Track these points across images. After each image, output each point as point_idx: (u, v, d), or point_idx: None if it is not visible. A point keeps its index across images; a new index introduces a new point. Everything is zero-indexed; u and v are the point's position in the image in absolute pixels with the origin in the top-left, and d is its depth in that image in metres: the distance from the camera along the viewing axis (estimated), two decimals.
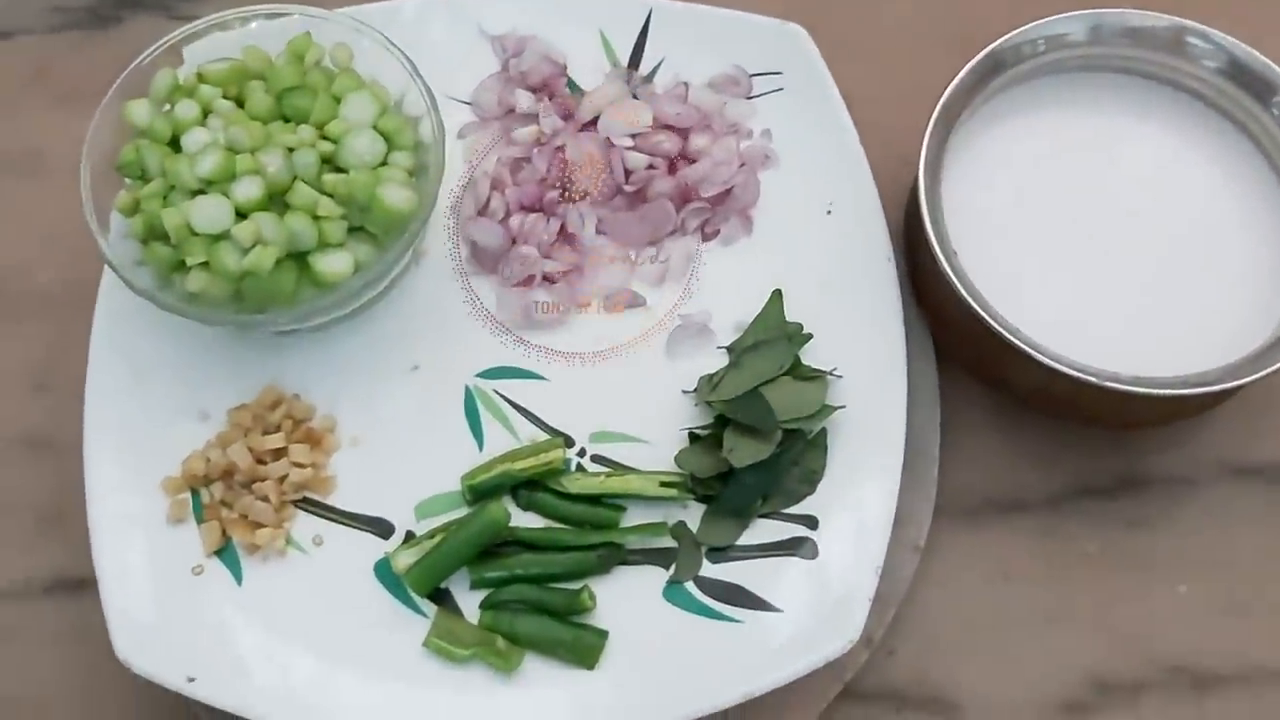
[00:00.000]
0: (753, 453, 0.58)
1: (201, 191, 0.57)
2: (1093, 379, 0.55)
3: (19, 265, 0.69)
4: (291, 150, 0.58)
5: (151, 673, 0.55)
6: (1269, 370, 0.55)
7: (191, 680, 0.55)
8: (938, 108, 0.59)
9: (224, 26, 0.62)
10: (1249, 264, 0.60)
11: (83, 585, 0.61)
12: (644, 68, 0.68)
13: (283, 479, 0.60)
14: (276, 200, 0.58)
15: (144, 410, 0.61)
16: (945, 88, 0.59)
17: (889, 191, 0.64)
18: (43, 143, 0.72)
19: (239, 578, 0.59)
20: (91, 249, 0.61)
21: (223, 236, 0.57)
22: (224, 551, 0.59)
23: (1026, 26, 0.61)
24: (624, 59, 0.68)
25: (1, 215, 0.71)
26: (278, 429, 0.61)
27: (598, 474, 0.60)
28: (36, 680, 0.61)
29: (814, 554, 0.58)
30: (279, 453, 0.60)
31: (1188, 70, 0.62)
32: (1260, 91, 0.60)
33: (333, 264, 0.58)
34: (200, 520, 0.59)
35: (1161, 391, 0.55)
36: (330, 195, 0.58)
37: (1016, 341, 0.55)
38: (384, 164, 0.59)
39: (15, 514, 0.64)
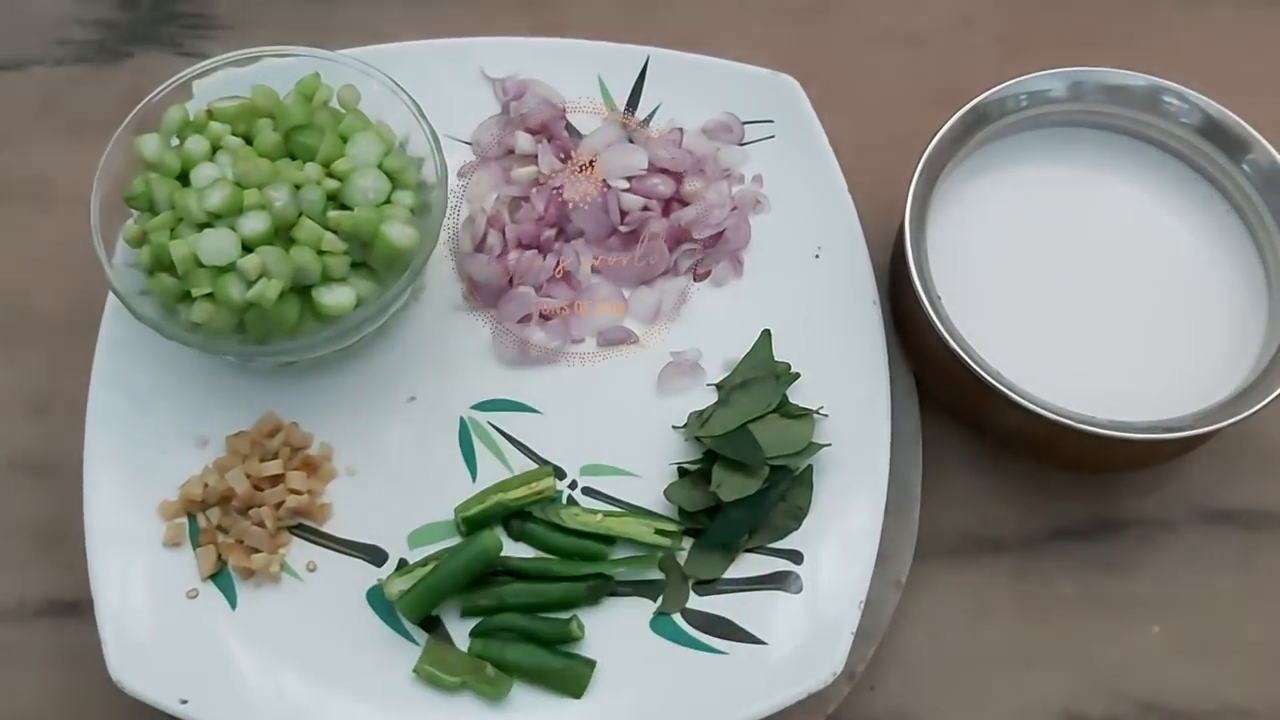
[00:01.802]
0: (740, 488, 0.59)
1: (208, 225, 0.59)
2: (1070, 422, 0.56)
3: (22, 291, 0.70)
4: (298, 187, 0.60)
5: (144, 694, 0.56)
6: (1241, 416, 0.56)
7: (184, 702, 0.56)
8: (923, 157, 0.61)
9: (235, 64, 0.64)
10: (1222, 314, 0.62)
11: (75, 608, 0.62)
12: (640, 113, 0.70)
13: (279, 505, 0.61)
14: (282, 235, 0.59)
15: (143, 435, 0.62)
16: (931, 139, 0.62)
17: (875, 237, 0.67)
18: (50, 172, 0.74)
19: (233, 602, 0.60)
20: (94, 277, 0.63)
21: (229, 268, 0.58)
22: (219, 576, 0.60)
23: (1009, 82, 0.63)
24: (621, 104, 0.71)
25: (7, 242, 0.72)
26: (275, 456, 0.62)
27: (596, 512, 0.61)
28: (26, 701, 0.61)
29: (799, 588, 0.59)
30: (276, 479, 0.61)
31: (1164, 127, 0.64)
32: (1232, 149, 0.63)
33: (336, 298, 0.59)
34: (196, 545, 0.61)
35: (1137, 436, 0.57)
36: (335, 231, 0.60)
37: (997, 384, 0.57)
38: (388, 202, 0.61)
39: (10, 536, 0.64)
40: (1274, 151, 0.62)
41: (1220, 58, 0.75)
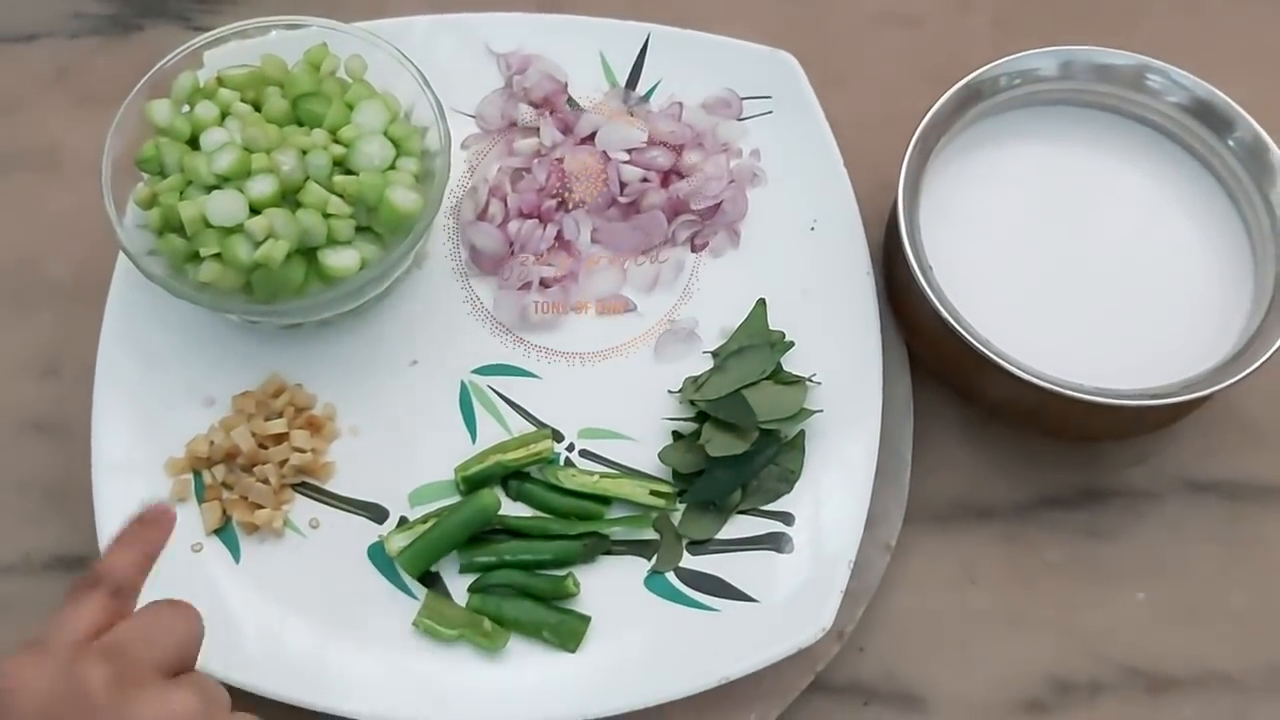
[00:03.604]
0: (728, 446, 0.61)
1: (217, 187, 0.60)
2: (1058, 389, 0.58)
3: (31, 257, 0.72)
4: (305, 152, 0.61)
5: None
6: (1225, 384, 0.58)
7: None
8: (917, 132, 0.62)
9: (245, 35, 0.66)
10: (1208, 286, 0.63)
11: (81, 563, 0.63)
12: (641, 88, 0.72)
13: (283, 463, 0.62)
14: (289, 198, 0.61)
15: (151, 394, 0.64)
16: (924, 115, 0.63)
17: (869, 214, 0.68)
18: (60, 141, 0.75)
19: (237, 556, 0.61)
20: (103, 244, 0.64)
21: (236, 229, 0.59)
22: (223, 531, 0.62)
23: (1001, 60, 0.64)
24: (622, 80, 0.72)
25: (17, 209, 0.73)
26: (280, 415, 0.63)
27: (592, 473, 0.62)
28: None
29: (790, 548, 0.61)
30: (280, 438, 0.63)
31: (1151, 105, 0.66)
32: (1218, 126, 0.64)
33: (340, 259, 0.61)
34: (201, 500, 0.62)
35: (1124, 402, 0.58)
36: (340, 195, 0.61)
37: (986, 352, 0.58)
38: (392, 168, 0.63)
39: (20, 493, 0.66)
40: (1259, 128, 0.63)
41: (1207, 38, 0.77)
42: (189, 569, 0.60)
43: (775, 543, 0.61)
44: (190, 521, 0.61)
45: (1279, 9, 0.79)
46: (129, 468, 0.62)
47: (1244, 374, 0.58)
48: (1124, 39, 0.66)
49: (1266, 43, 0.78)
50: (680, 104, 0.71)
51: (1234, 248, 0.64)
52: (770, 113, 0.71)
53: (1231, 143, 0.64)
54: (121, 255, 0.65)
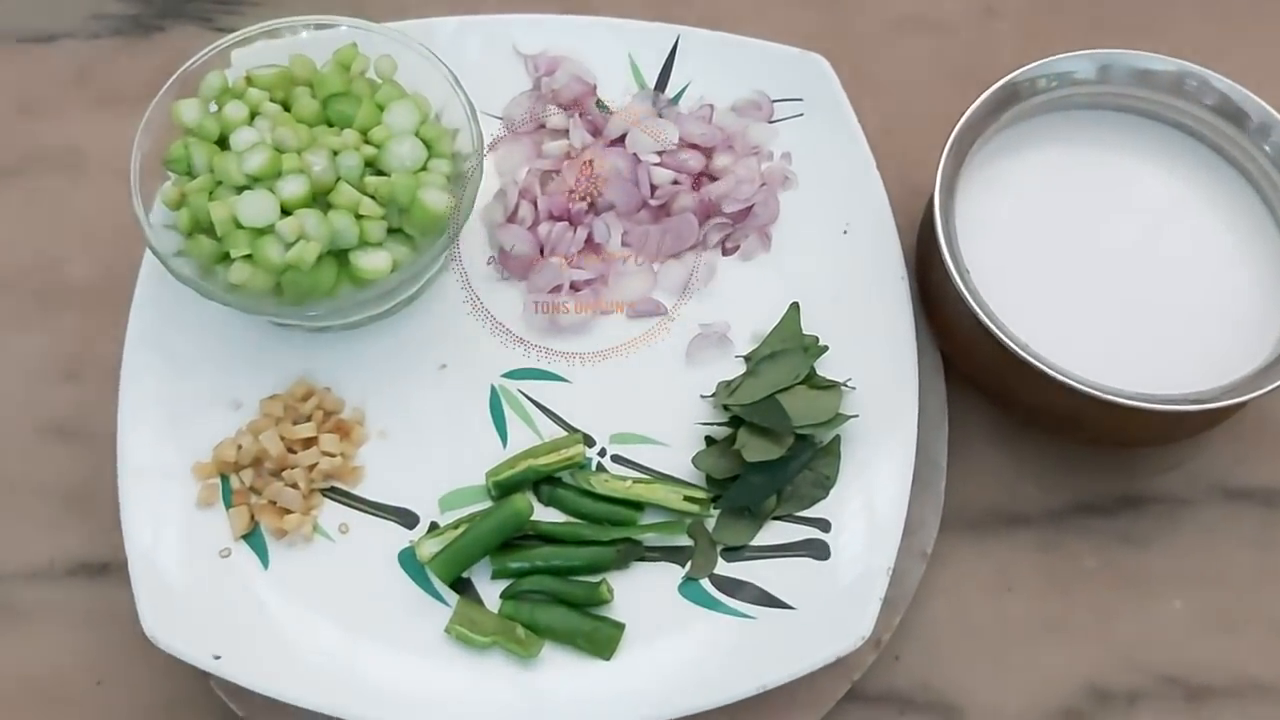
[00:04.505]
0: (764, 451, 0.60)
1: (247, 188, 0.60)
2: (1097, 393, 0.57)
3: (53, 260, 0.71)
4: (336, 153, 0.60)
5: (178, 649, 0.56)
6: (1266, 389, 0.57)
7: (217, 658, 0.56)
8: (953, 133, 0.62)
9: (273, 35, 0.65)
10: (1244, 292, 0.63)
11: (105, 570, 0.63)
12: (670, 90, 0.71)
13: (312, 467, 0.61)
14: (320, 199, 0.60)
15: (177, 397, 0.63)
16: (961, 115, 0.62)
17: (899, 217, 0.67)
18: (82, 143, 0.74)
19: (265, 562, 0.60)
20: (125, 246, 0.64)
21: (267, 230, 0.59)
22: (251, 536, 0.61)
23: (1039, 62, 0.64)
24: (651, 82, 0.71)
25: (39, 211, 0.72)
26: (308, 419, 0.62)
27: (625, 478, 0.62)
28: (54, 658, 0.61)
29: (827, 555, 0.60)
30: (309, 441, 0.62)
31: (1188, 110, 0.65)
32: (1255, 131, 0.64)
33: (372, 261, 0.60)
34: (229, 505, 0.61)
35: (1161, 407, 0.57)
36: (372, 196, 0.60)
37: (1023, 354, 0.58)
38: (424, 169, 0.62)
39: (41, 498, 0.65)
40: None
41: (1237, 44, 0.76)
42: (217, 574, 0.59)
43: (812, 549, 0.60)
44: (219, 526, 0.60)
45: None
46: (155, 472, 0.61)
47: None
48: (1151, 46, 0.66)
49: None
50: (711, 106, 0.70)
51: (1270, 252, 0.64)
52: (801, 115, 0.70)
53: (1268, 147, 0.63)
54: (147, 256, 0.64)
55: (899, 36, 0.78)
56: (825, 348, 0.64)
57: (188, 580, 0.59)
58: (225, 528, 0.61)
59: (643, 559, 0.60)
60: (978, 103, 0.62)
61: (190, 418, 0.62)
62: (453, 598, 0.59)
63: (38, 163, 0.74)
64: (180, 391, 0.63)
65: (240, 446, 0.61)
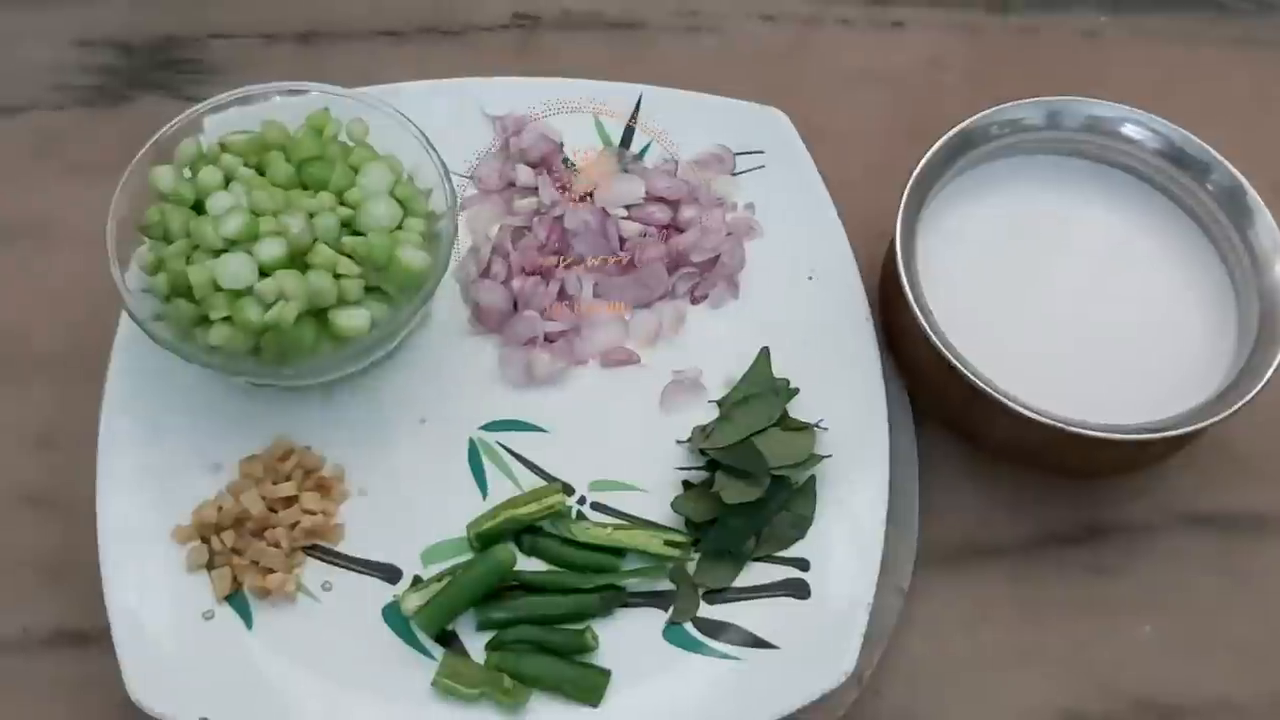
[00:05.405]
0: (741, 493, 0.61)
1: (225, 251, 0.60)
2: (1061, 425, 0.59)
3: (24, 329, 0.71)
4: (312, 215, 0.61)
5: (166, 713, 0.56)
6: (1222, 415, 0.59)
7: None
8: (911, 179, 0.64)
9: (246, 101, 0.66)
10: (1194, 325, 0.65)
11: (84, 638, 0.62)
12: (635, 146, 0.73)
13: (293, 526, 0.61)
14: (297, 261, 0.61)
15: (155, 462, 0.63)
16: (918, 163, 0.65)
17: (864, 261, 0.69)
18: (50, 213, 0.74)
19: (249, 623, 0.60)
20: (96, 313, 0.64)
21: (246, 292, 0.59)
22: (234, 597, 0.61)
23: (989, 110, 0.67)
24: (616, 139, 0.73)
25: (9, 280, 0.72)
26: (288, 479, 0.63)
27: (606, 525, 0.62)
28: None
29: (807, 594, 0.61)
30: (290, 500, 0.62)
31: (1132, 153, 0.68)
32: (1197, 172, 0.67)
33: (351, 319, 0.61)
34: (211, 567, 0.61)
35: (1125, 436, 0.59)
36: (350, 256, 0.61)
37: (990, 391, 0.59)
38: (399, 228, 0.63)
39: (14, 570, 0.64)
40: (1235, 171, 0.66)
41: (1176, 90, 0.80)
42: (201, 637, 0.59)
43: (792, 589, 0.61)
44: (201, 588, 0.60)
45: (1231, 56, 0.83)
46: (136, 537, 0.61)
47: (1239, 405, 0.60)
48: (1088, 94, 0.69)
49: (1227, 90, 0.81)
50: (676, 161, 0.72)
51: (1217, 286, 0.66)
52: (763, 167, 0.72)
53: (1209, 185, 0.66)
54: (123, 322, 0.65)
55: (851, 89, 0.81)
56: (796, 390, 0.65)
57: (173, 643, 0.59)
58: (208, 589, 0.61)
59: (626, 605, 0.61)
60: (934, 149, 0.65)
61: (169, 482, 0.62)
62: (438, 651, 0.60)
63: (5, 233, 0.74)
64: (158, 456, 0.63)
65: (221, 508, 0.61)
